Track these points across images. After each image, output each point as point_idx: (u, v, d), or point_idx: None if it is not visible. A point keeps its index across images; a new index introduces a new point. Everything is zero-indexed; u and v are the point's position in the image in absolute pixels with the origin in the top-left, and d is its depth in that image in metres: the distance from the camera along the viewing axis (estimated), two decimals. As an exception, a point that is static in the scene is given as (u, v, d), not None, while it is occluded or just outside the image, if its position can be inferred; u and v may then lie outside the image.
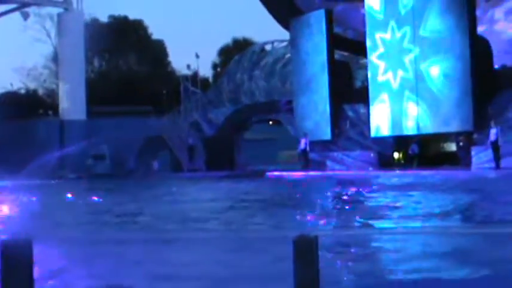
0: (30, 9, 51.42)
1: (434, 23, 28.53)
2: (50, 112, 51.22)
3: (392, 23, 30.68)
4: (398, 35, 30.37)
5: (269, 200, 18.50)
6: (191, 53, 57.98)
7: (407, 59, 29.86)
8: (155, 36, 66.88)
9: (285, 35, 39.43)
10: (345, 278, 6.80)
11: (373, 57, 31.89)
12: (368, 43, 32.07)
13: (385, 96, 30.98)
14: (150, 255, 7.56)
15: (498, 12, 32.27)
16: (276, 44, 42.53)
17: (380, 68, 31.38)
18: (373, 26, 31.75)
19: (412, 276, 6.90)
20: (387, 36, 30.96)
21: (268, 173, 32.86)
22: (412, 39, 29.67)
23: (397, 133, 30.86)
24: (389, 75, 30.77)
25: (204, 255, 7.65)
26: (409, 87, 29.85)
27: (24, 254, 4.32)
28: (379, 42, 31.45)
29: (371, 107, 31.70)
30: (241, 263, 7.56)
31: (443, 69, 28.27)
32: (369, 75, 32.15)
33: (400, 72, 30.20)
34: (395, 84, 30.50)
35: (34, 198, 19.35)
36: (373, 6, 31.81)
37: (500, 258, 7.14)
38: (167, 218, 13.71)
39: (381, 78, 31.27)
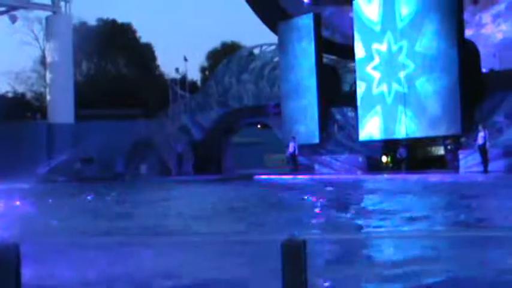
0: (18, 13, 51.12)
1: (431, 39, 28.27)
2: (38, 115, 50.84)
3: (389, 35, 30.36)
4: (394, 47, 30.06)
5: (257, 203, 18.48)
6: (179, 56, 57.97)
7: (402, 73, 29.57)
8: (144, 39, 66.73)
9: (273, 38, 39.44)
10: (333, 283, 6.80)
11: (368, 68, 31.46)
12: (362, 53, 31.70)
13: (378, 108, 30.79)
14: (137, 259, 7.53)
15: (486, 16, 32.40)
16: (264, 47, 42.54)
17: (375, 80, 31.06)
18: (369, 37, 31.35)
19: (402, 280, 6.90)
20: (383, 48, 30.68)
21: (256, 177, 32.84)
22: (407, 53, 29.40)
23: (386, 137, 30.82)
24: (384, 87, 30.55)
25: (190, 259, 7.63)
26: (401, 99, 29.64)
27: (11, 258, 4.29)
28: (375, 54, 31.16)
29: (365, 118, 31.38)
30: (228, 267, 7.54)
31: (433, 74, 28.28)
32: (363, 86, 31.62)
33: (395, 85, 29.91)
34: (389, 98, 30.21)
35: (26, 202, 19.26)
36: (370, 17, 31.40)
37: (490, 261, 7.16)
38: (153, 222, 13.67)
39: (375, 90, 30.99)
